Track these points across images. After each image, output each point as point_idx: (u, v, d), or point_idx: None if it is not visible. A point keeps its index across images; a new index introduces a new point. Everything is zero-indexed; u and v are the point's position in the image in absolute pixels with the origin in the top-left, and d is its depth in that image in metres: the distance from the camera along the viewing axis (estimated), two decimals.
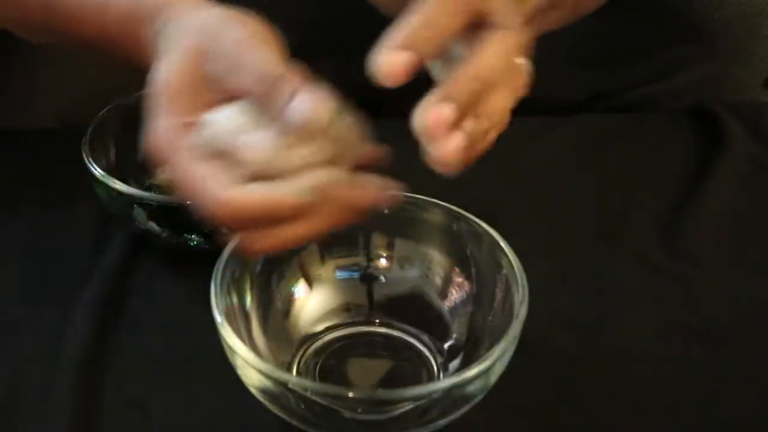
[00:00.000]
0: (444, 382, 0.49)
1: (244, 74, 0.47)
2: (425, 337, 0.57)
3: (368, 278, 0.59)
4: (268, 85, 0.46)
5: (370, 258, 0.59)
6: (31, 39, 0.68)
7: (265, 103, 0.46)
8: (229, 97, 0.48)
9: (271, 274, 0.57)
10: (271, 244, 0.46)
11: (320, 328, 0.58)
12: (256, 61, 0.47)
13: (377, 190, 0.47)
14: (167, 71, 0.48)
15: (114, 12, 0.57)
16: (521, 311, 0.49)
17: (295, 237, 0.46)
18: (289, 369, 0.55)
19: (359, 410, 0.48)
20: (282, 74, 0.46)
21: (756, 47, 0.84)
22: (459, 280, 0.57)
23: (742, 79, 0.86)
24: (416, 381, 0.55)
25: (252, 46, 0.47)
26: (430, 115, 0.45)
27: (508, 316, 0.51)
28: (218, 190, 0.45)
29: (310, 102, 0.45)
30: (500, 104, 0.48)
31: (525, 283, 0.51)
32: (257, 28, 0.49)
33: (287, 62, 0.47)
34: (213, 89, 0.48)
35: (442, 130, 0.45)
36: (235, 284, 0.53)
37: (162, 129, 0.47)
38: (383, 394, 0.49)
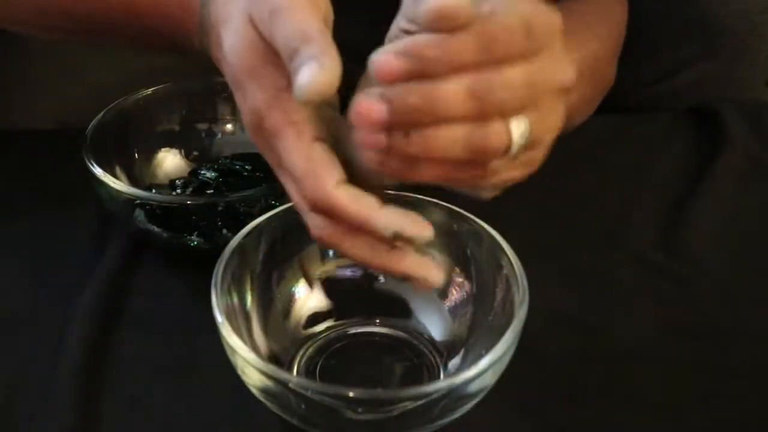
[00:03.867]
0: (444, 382, 0.49)
1: (276, 39, 0.44)
2: (425, 337, 0.57)
3: (368, 278, 0.59)
4: (291, 51, 0.43)
5: None
6: (47, 37, 0.66)
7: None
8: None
9: (272, 273, 0.57)
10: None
11: (320, 328, 0.58)
12: (287, 26, 0.44)
13: None
14: (236, 48, 0.46)
15: None
16: (521, 311, 0.49)
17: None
18: (289, 369, 0.55)
19: (359, 410, 0.48)
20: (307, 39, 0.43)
21: (759, 45, 0.84)
22: (459, 280, 0.57)
23: (745, 78, 0.86)
24: (416, 381, 0.55)
25: (286, 12, 0.44)
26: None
27: (508, 316, 0.51)
28: (331, 182, 0.43)
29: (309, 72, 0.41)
30: (446, 140, 0.42)
31: (525, 283, 0.51)
32: None
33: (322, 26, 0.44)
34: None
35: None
36: (235, 284, 0.53)
37: (268, 101, 0.45)
38: (383, 394, 0.49)
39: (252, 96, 0.46)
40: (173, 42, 0.57)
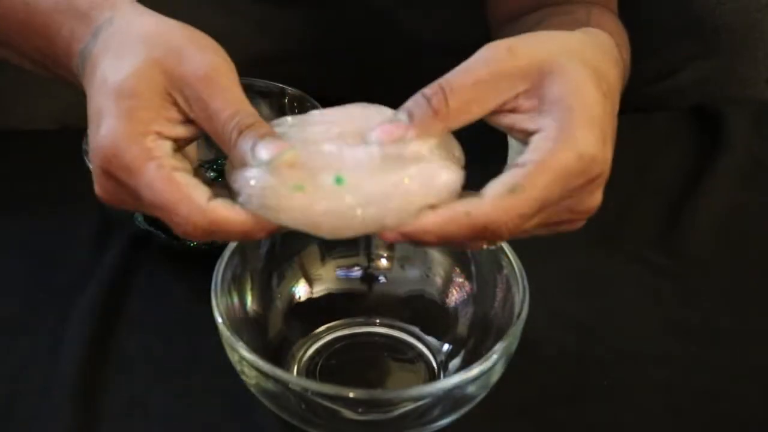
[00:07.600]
0: (444, 382, 0.49)
1: (207, 112, 0.45)
2: (425, 337, 0.57)
3: (368, 278, 0.59)
4: (229, 132, 0.45)
5: (371, 258, 0.59)
6: None
7: (222, 143, 0.45)
8: (184, 119, 0.46)
9: (272, 274, 0.57)
10: None
11: (320, 328, 0.58)
12: (220, 101, 0.45)
13: None
14: (134, 77, 0.45)
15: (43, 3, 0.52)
16: (521, 311, 0.49)
17: None
18: (289, 369, 0.55)
19: (359, 410, 0.48)
20: (247, 124, 0.45)
21: (759, 42, 0.83)
22: (459, 280, 0.57)
23: (745, 75, 0.85)
24: (416, 381, 0.55)
25: (215, 82, 0.45)
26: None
27: (508, 316, 0.51)
28: (202, 199, 0.44)
29: (270, 147, 0.44)
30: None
31: (525, 283, 0.51)
32: (216, 57, 0.46)
33: (245, 99, 0.46)
34: (172, 109, 0.46)
35: None
36: (235, 284, 0.53)
37: (132, 135, 0.45)
38: (383, 394, 0.49)
39: (113, 127, 0.45)
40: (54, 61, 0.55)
